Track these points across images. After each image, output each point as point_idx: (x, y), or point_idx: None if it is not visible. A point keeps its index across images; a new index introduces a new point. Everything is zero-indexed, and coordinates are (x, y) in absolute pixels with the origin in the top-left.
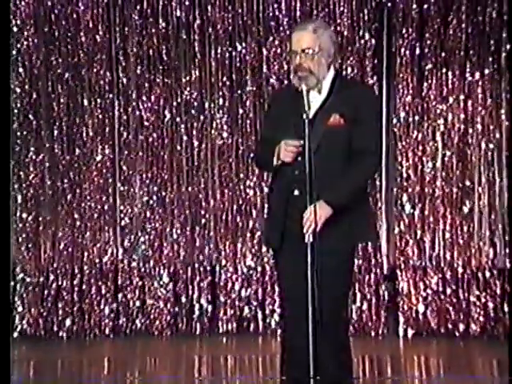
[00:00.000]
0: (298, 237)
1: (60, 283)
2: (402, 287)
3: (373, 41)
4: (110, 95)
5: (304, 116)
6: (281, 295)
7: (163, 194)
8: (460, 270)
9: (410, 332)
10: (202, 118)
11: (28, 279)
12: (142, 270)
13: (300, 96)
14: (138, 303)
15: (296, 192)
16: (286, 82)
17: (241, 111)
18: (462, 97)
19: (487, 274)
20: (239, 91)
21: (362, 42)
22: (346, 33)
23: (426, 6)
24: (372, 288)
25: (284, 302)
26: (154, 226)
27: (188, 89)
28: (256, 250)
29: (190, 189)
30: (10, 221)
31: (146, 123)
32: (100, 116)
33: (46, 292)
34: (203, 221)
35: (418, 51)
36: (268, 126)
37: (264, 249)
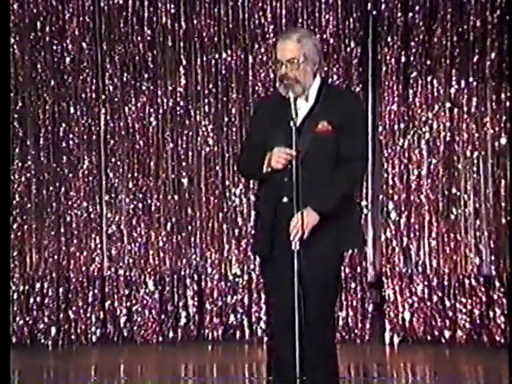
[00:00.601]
0: (286, 244)
1: (46, 291)
2: (388, 294)
3: (358, 49)
4: (96, 103)
5: (292, 123)
6: (267, 302)
7: (149, 201)
8: (446, 277)
9: (396, 339)
10: (187, 125)
11: (13, 287)
12: (129, 277)
13: (287, 103)
14: (124, 311)
15: (285, 199)
16: (271, 89)
17: (226, 119)
18: (447, 105)
19: (473, 282)
20: (225, 99)
21: (348, 50)
22: (331, 41)
23: (411, 15)
24: (358, 295)
25: (271, 309)
26: (140, 233)
27: (174, 96)
28: (242, 258)
29: (176, 197)
30: (9, 230)
31: (131, 131)
32: (86, 123)
33: (31, 300)
34: (189, 228)
35: (403, 59)
36: (255, 133)
37: (250, 256)
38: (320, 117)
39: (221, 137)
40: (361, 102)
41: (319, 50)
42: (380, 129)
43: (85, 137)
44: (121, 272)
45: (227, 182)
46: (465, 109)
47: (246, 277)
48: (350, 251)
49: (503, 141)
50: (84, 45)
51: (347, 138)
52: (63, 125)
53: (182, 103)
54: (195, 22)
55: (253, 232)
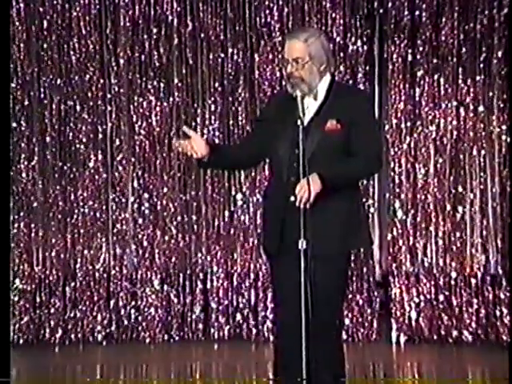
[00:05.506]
0: (293, 243)
1: (52, 290)
2: (395, 293)
3: (365, 47)
4: (102, 101)
5: (298, 122)
6: (275, 301)
7: (155, 200)
8: (453, 276)
9: (403, 338)
10: (194, 123)
11: (20, 286)
12: (134, 276)
13: (295, 102)
14: (129, 310)
15: (292, 198)
16: (278, 88)
17: (233, 117)
18: (454, 103)
19: (480, 281)
20: (231, 97)
21: (354, 48)
22: (338, 39)
23: (417, 13)
24: (364, 294)
25: (279, 308)
26: (146, 232)
27: (180, 95)
28: (248, 257)
29: (181, 195)
30: (9, 229)
31: (137, 129)
32: (92, 122)
33: (37, 299)
34: (195, 227)
35: (409, 57)
36: (259, 130)
37: (256, 254)
38: (328, 115)
39: (227, 135)
40: (370, 99)
41: (327, 49)
42: (386, 127)
43: (91, 135)
44: (126, 271)
45: (233, 181)
46: (471, 107)
47: (252, 275)
48: (356, 250)
49: (510, 139)
50: (90, 43)
51: (361, 134)
52: (69, 123)
53: (188, 102)
54: (201, 20)
55: (261, 231)
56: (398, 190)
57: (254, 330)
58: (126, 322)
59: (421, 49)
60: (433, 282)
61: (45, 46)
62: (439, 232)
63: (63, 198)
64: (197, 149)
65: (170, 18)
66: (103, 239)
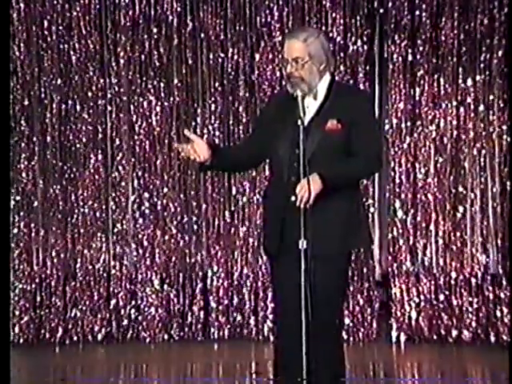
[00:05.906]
0: (294, 243)
1: (52, 290)
2: (395, 293)
3: (365, 47)
4: (102, 101)
5: (299, 122)
6: (275, 301)
7: (155, 200)
8: (453, 275)
9: (403, 338)
10: (194, 123)
11: (20, 285)
12: (134, 276)
13: (295, 101)
14: (129, 310)
15: (293, 198)
16: (277, 87)
17: (233, 117)
18: (454, 103)
19: (480, 280)
20: (231, 97)
21: (355, 48)
22: (338, 39)
23: (417, 13)
24: (364, 294)
25: (279, 308)
26: (146, 232)
27: (180, 94)
28: (248, 256)
29: (182, 195)
30: (9, 229)
31: (137, 129)
32: (92, 122)
33: (38, 298)
34: (195, 227)
35: (410, 57)
36: (260, 129)
37: (256, 254)
38: (329, 115)
39: (227, 135)
40: (370, 98)
41: (326, 48)
42: (387, 127)
43: (91, 135)
44: (126, 271)
45: (233, 181)
46: (471, 107)
47: (252, 275)
48: (357, 250)
49: (510, 139)
50: (90, 43)
51: (362, 134)
52: (69, 123)
53: (188, 101)
54: (201, 20)
55: (261, 231)
56: (398, 190)
57: (254, 330)
58: (126, 322)
59: (421, 49)
60: (433, 282)
61: (45, 46)
62: (439, 232)
63: (63, 197)
64: (199, 152)
65: (170, 17)
66: (103, 239)
